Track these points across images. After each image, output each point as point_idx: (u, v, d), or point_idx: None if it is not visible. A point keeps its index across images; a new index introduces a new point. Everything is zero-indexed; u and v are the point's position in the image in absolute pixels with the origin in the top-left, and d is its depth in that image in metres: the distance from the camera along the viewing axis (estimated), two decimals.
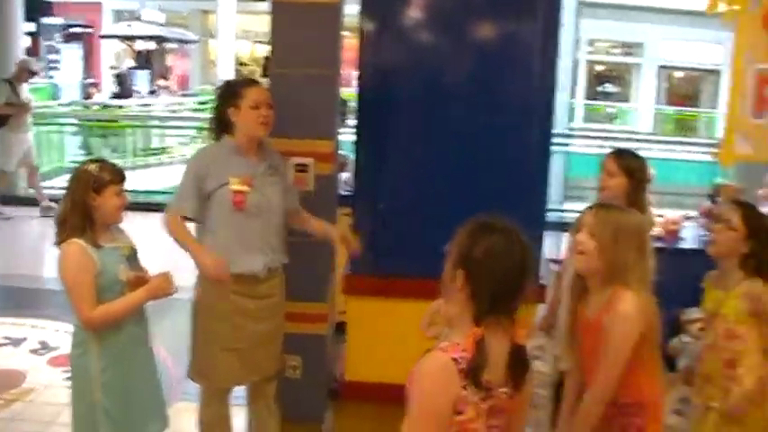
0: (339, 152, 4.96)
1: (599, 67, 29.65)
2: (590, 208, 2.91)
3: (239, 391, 4.15)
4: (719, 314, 3.31)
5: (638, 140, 14.67)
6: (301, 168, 4.29)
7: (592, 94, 28.62)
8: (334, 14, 4.45)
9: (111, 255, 3.21)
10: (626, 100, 28.64)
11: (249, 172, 3.71)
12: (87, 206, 3.16)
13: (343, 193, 5.17)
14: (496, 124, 4.57)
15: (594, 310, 2.78)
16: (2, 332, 6.06)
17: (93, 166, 3.25)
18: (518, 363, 2.18)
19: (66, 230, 3.17)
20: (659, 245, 4.80)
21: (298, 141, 4.23)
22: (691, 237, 5.10)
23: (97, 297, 3.15)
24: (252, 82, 3.88)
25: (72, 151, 13.10)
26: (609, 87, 29.58)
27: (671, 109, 27.23)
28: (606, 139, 12.28)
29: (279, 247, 3.86)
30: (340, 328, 5.07)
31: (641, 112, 26.90)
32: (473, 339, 2.06)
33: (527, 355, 2.24)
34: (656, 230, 4.94)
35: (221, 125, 3.79)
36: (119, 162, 12.28)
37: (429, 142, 4.65)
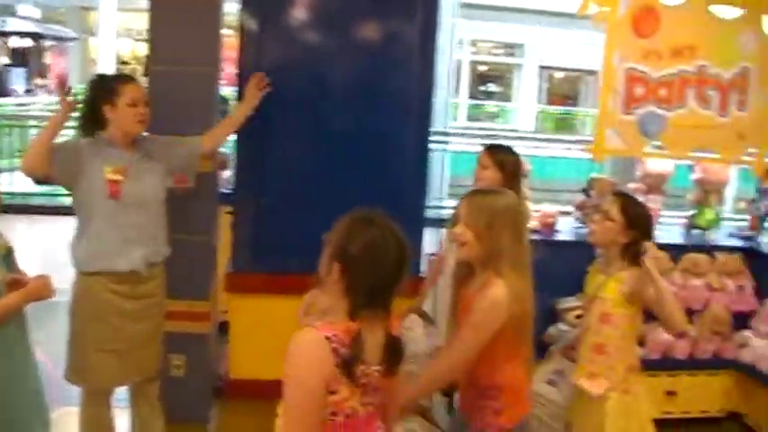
0: (220, 150, 4.95)
1: (482, 68, 30.25)
2: (463, 198, 2.94)
3: (122, 393, 4.10)
4: (598, 297, 3.41)
5: (518, 138, 15.11)
6: None
7: (475, 94, 29.20)
8: (215, 12, 4.44)
9: None
10: (508, 99, 29.32)
11: (123, 162, 3.65)
12: None
13: (225, 191, 5.14)
14: (376, 122, 4.67)
15: (472, 292, 2.84)
16: None
17: None
18: (393, 352, 2.23)
19: None
20: (536, 237, 4.99)
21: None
22: (566, 230, 5.27)
23: None
24: (128, 78, 3.79)
25: None
26: (492, 87, 30.22)
27: (552, 108, 28.07)
28: (487, 137, 12.50)
29: (160, 237, 3.80)
30: (224, 327, 5.05)
31: (523, 111, 27.60)
32: (349, 334, 2.10)
33: (402, 344, 2.28)
34: (533, 224, 5.10)
35: (94, 121, 3.69)
36: None
37: (309, 140, 4.70)
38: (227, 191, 5.15)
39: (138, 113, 3.64)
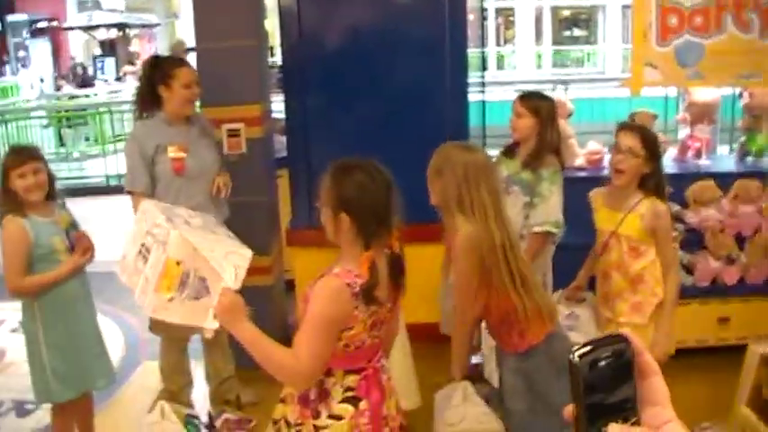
0: (273, 116, 5.26)
1: (565, 12, 29.75)
2: None
3: (197, 343, 4.50)
4: (621, 234, 3.48)
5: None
6: (233, 133, 4.60)
7: (560, 40, 28.76)
8: None
9: (46, 229, 3.47)
10: (594, 42, 28.76)
11: (183, 139, 4.01)
12: (7, 188, 3.43)
13: (283, 155, 5.45)
14: (414, 76, 4.87)
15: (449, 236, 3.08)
16: None
17: (4, 153, 3.54)
18: (396, 267, 2.47)
19: (2, 211, 3.46)
20: (583, 174, 5.13)
21: (227, 108, 4.52)
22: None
23: (33, 267, 3.43)
24: (181, 62, 4.15)
25: (46, 144, 13.32)
26: (576, 31, 29.70)
27: None
28: (565, 82, 12.51)
29: (221, 206, 4.17)
30: (291, 284, 5.39)
31: (609, 53, 27.04)
32: (366, 263, 2.33)
33: (403, 260, 2.50)
34: (579, 162, 5.23)
35: (151, 100, 4.06)
36: (92, 149, 12.57)
37: (352, 99, 4.94)
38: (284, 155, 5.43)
39: (192, 94, 4.01)
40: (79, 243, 3.55)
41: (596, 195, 3.71)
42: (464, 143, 3.39)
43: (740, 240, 5.00)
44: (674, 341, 3.59)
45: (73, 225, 3.62)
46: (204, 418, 4.18)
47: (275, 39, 5.82)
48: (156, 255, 2.32)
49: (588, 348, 0.83)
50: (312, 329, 2.33)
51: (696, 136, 5.43)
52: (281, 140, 5.64)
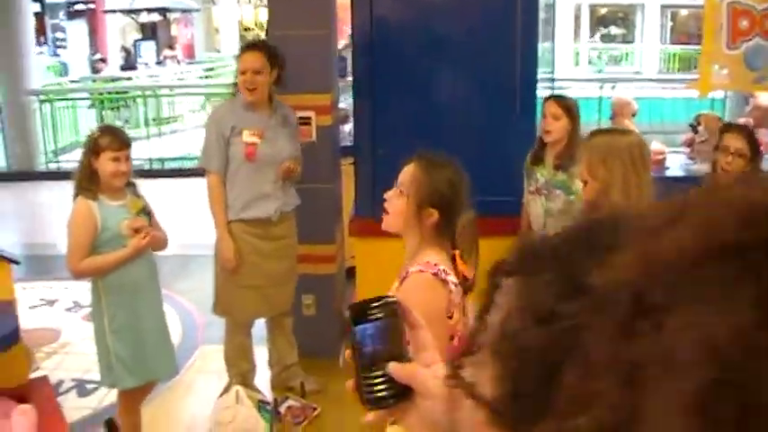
0: (341, 105, 5.29)
1: (602, 10, 29.51)
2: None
3: (261, 330, 4.54)
4: None
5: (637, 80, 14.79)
6: (304, 121, 4.61)
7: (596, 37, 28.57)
8: None
9: (115, 212, 3.48)
10: (631, 41, 28.51)
11: (261, 125, 4.05)
12: (89, 168, 3.44)
13: (348, 144, 5.49)
14: (484, 69, 4.86)
15: None
16: (38, 295, 6.47)
17: (96, 132, 3.57)
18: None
19: (75, 189, 3.49)
20: None
21: (299, 96, 4.53)
22: (676, 166, 5.36)
23: (98, 250, 3.45)
24: (247, 48, 4.19)
25: (86, 126, 13.42)
26: (613, 29, 29.46)
27: (678, 47, 27.12)
28: (609, 81, 12.41)
29: (290, 191, 4.22)
30: (352, 272, 5.42)
31: (646, 52, 26.80)
32: (458, 260, 2.36)
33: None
34: None
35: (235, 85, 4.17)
36: (132, 132, 12.69)
37: (420, 90, 4.93)
38: (350, 144, 5.45)
39: (245, 81, 4.03)
40: (140, 227, 3.53)
41: None
42: (610, 128, 3.37)
43: None
44: None
45: (144, 210, 3.62)
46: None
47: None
48: None
49: (359, 305, 0.99)
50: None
51: (760, 139, 5.40)
52: (343, 129, 5.69)
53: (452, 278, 2.32)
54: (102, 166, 3.42)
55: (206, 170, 4.12)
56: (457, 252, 2.37)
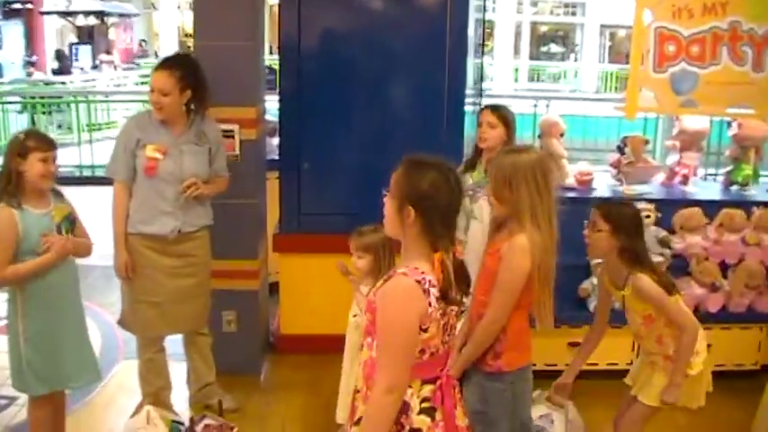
0: (267, 118, 5.21)
1: (543, 28, 29.97)
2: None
3: (180, 347, 4.44)
4: (628, 309, 3.53)
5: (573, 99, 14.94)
6: (227, 134, 4.51)
7: (537, 55, 28.97)
8: None
9: (36, 220, 3.41)
10: (570, 59, 28.99)
11: (167, 141, 3.95)
12: (14, 171, 3.36)
13: (274, 157, 5.41)
14: (411, 85, 4.86)
15: (499, 241, 3.05)
16: None
17: (21, 134, 3.47)
18: (463, 274, 2.44)
19: None
20: (572, 194, 5.14)
21: (223, 108, 4.42)
22: (602, 187, 5.39)
23: (18, 258, 3.36)
24: (159, 65, 4.04)
25: (18, 129, 13.10)
26: (553, 47, 29.92)
27: (615, 67, 27.61)
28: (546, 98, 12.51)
29: (194, 212, 4.07)
30: (275, 287, 5.34)
31: (585, 70, 27.25)
32: (438, 264, 2.30)
33: (466, 266, 2.48)
34: (569, 181, 5.24)
35: None
36: (65, 137, 12.39)
37: (346, 106, 4.93)
38: (275, 157, 5.38)
39: (151, 99, 3.96)
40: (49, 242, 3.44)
41: (601, 274, 3.73)
42: (516, 146, 3.40)
43: (724, 268, 5.05)
44: (697, 397, 3.60)
45: (68, 218, 3.55)
46: (186, 423, 4.12)
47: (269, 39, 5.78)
48: None
49: None
50: (392, 338, 2.29)
51: (684, 163, 5.48)
52: (271, 142, 5.62)
53: (435, 291, 2.28)
54: (31, 167, 3.36)
55: (108, 173, 4.04)
56: (437, 256, 2.32)
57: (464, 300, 2.50)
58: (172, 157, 3.94)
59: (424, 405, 2.38)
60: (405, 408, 2.35)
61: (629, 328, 3.63)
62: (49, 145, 3.46)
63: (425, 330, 2.29)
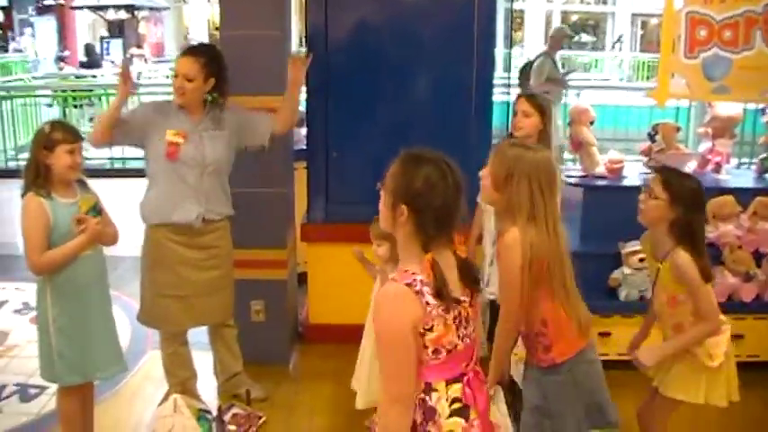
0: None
1: (574, 17, 29.72)
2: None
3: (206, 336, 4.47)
4: (659, 285, 3.44)
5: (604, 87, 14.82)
6: None
7: (567, 45, 28.72)
8: None
9: (66, 209, 3.43)
10: (602, 49, 28.71)
11: (186, 127, 3.96)
12: (41, 163, 3.40)
13: (301, 147, 5.41)
14: (438, 75, 4.82)
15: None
16: None
17: (46, 126, 3.49)
18: (467, 271, 2.35)
19: (25, 186, 3.43)
20: (604, 183, 5.10)
21: (250, 98, 4.42)
22: (633, 175, 5.33)
23: (50, 247, 3.39)
24: (186, 51, 4.06)
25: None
26: (584, 37, 29.65)
27: (647, 56, 27.31)
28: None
29: (216, 199, 4.08)
30: (303, 277, 5.34)
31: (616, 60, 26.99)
32: (428, 265, 2.21)
33: (473, 264, 2.41)
34: (600, 170, 5.19)
35: None
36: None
37: (373, 96, 4.91)
38: (304, 147, 5.38)
39: (174, 84, 3.97)
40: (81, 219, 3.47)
41: (644, 240, 3.66)
42: (524, 143, 3.30)
43: (758, 257, 4.98)
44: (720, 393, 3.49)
45: (95, 207, 3.56)
46: (214, 413, 4.14)
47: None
48: None
49: None
50: (383, 350, 2.21)
51: (717, 150, 5.40)
52: (299, 132, 5.61)
53: (428, 289, 2.20)
54: (58, 159, 3.39)
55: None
56: (427, 257, 2.23)
57: (474, 296, 2.39)
58: (192, 141, 3.95)
59: (454, 406, 2.28)
60: (431, 414, 2.27)
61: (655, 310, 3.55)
62: (75, 136, 3.48)
63: (430, 330, 2.21)
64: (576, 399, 2.97)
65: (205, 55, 3.97)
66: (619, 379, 4.06)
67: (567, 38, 9.82)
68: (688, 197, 3.30)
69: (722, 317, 3.43)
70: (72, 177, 3.48)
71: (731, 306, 4.86)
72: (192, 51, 4.02)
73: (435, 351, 2.24)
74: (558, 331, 2.93)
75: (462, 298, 2.31)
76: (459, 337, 2.29)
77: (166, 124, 3.94)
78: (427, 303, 2.18)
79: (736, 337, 4.83)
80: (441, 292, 2.21)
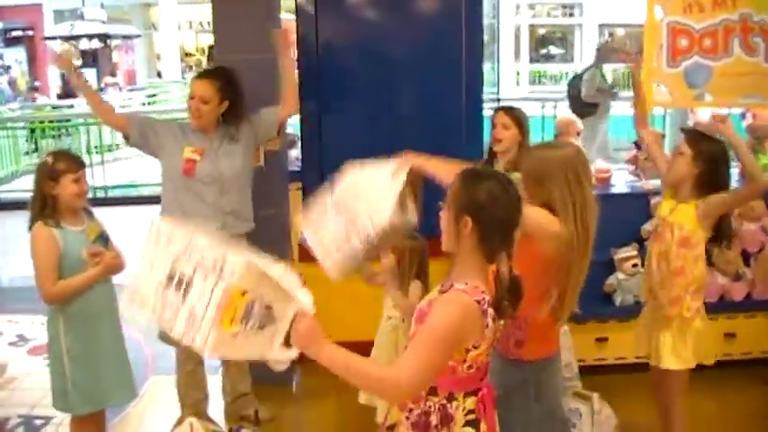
0: (287, 131, 5.26)
1: (541, 30, 30.02)
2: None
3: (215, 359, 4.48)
4: (674, 222, 3.56)
5: None
6: None
7: (536, 58, 29.02)
8: (271, 1, 4.77)
9: (75, 237, 3.47)
10: (571, 60, 28.97)
11: (203, 144, 4.03)
12: (47, 195, 3.43)
13: (295, 168, 5.46)
14: (430, 92, 4.90)
15: None
16: None
17: (49, 158, 3.52)
18: (515, 289, 2.37)
19: (32, 218, 3.46)
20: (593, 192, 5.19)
21: None
22: (621, 183, 5.43)
23: (62, 276, 3.42)
24: (201, 74, 4.17)
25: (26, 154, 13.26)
26: (552, 49, 29.96)
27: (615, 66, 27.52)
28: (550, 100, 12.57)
29: (236, 213, 4.14)
30: None
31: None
32: (493, 277, 2.30)
33: (521, 281, 2.41)
34: None
35: None
36: None
37: (367, 114, 4.97)
38: (297, 168, 5.43)
39: (190, 107, 4.04)
40: (97, 253, 3.52)
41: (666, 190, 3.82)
42: (548, 142, 3.41)
43: (746, 257, 5.09)
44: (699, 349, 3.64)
45: (101, 236, 3.61)
46: None
47: None
48: (206, 284, 2.02)
49: None
50: (428, 341, 2.24)
51: None
52: (290, 154, 5.66)
53: (491, 311, 2.28)
54: (64, 189, 3.43)
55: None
56: (492, 267, 2.32)
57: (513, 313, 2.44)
58: (209, 158, 4.01)
59: (469, 417, 2.37)
60: (447, 420, 2.36)
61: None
62: (79, 164, 3.54)
63: (476, 348, 2.29)
64: (535, 401, 2.99)
65: (221, 78, 4.05)
66: (616, 383, 4.17)
67: (614, 52, 9.87)
68: (711, 153, 3.52)
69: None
70: (79, 205, 3.52)
71: (722, 306, 4.99)
72: (207, 74, 4.12)
73: (470, 366, 2.32)
74: (538, 330, 2.95)
75: (500, 322, 2.37)
76: (486, 355, 2.37)
77: (184, 141, 4.02)
78: (486, 325, 2.27)
79: (729, 336, 4.98)
80: (500, 305, 2.30)
